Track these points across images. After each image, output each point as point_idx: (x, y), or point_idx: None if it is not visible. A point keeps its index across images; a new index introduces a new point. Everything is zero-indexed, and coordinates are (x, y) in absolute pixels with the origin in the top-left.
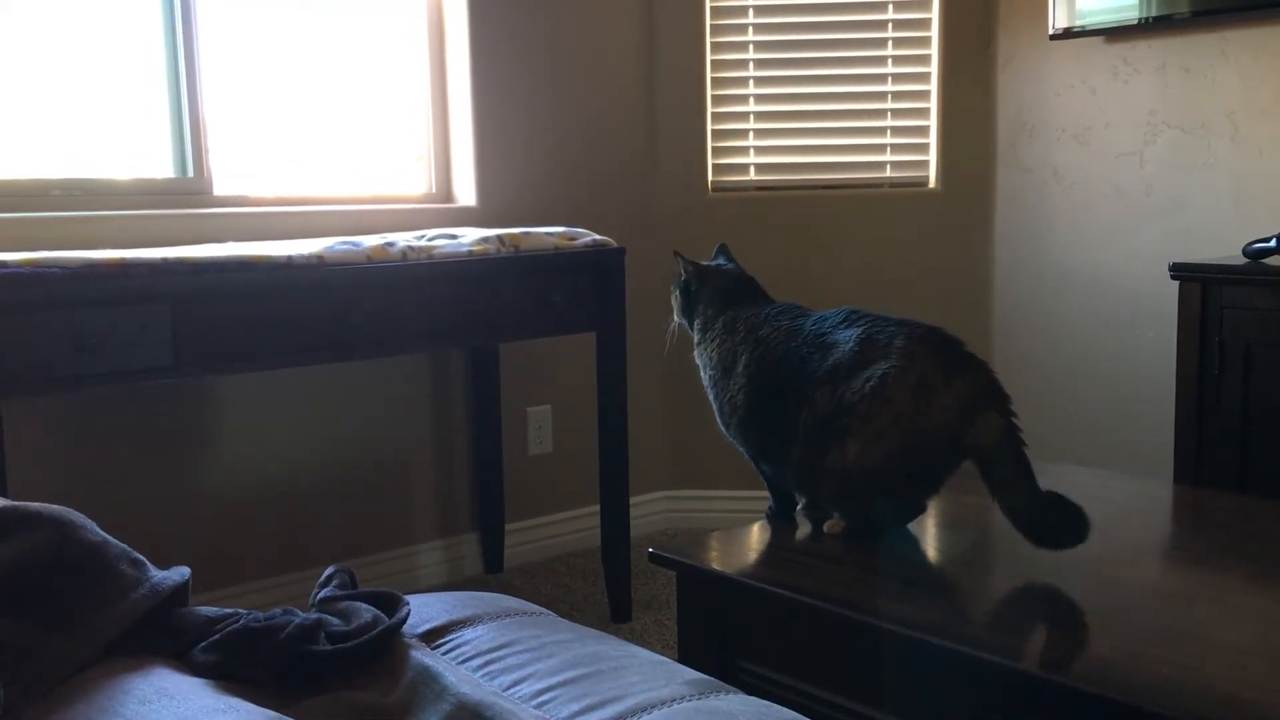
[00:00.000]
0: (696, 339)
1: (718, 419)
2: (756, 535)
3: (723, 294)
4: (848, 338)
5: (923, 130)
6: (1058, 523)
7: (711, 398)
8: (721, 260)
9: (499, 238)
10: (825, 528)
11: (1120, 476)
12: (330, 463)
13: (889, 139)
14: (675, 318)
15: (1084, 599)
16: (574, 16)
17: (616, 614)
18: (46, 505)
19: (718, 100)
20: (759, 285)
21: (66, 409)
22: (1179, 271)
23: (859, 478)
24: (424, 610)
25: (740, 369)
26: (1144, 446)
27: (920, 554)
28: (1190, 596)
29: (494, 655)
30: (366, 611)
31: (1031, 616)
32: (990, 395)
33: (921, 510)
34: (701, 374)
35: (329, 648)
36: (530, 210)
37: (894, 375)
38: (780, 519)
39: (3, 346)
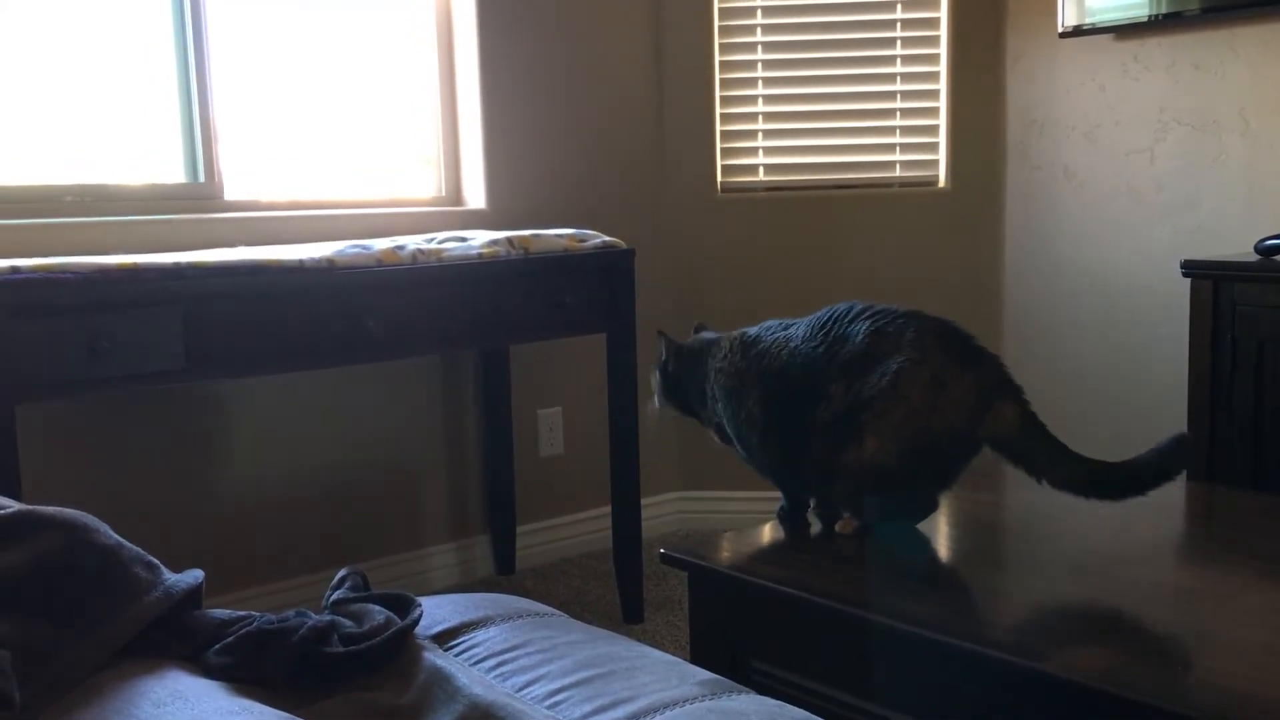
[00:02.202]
0: (697, 413)
1: (739, 448)
2: (768, 536)
3: (700, 354)
4: (857, 331)
5: (932, 129)
6: (1127, 473)
7: (730, 431)
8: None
9: (508, 240)
10: (837, 528)
11: None
12: (342, 465)
13: (898, 138)
14: (656, 401)
15: (1096, 597)
16: (582, 18)
17: (628, 615)
18: (60, 509)
19: (726, 101)
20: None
21: (79, 413)
22: (1190, 269)
23: (874, 474)
24: (436, 612)
25: (752, 383)
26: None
27: (931, 553)
28: (1203, 594)
29: (506, 656)
30: (379, 613)
31: (1044, 615)
32: (1002, 387)
33: (934, 507)
34: (718, 430)
35: (342, 649)
36: (539, 212)
37: (908, 370)
38: (792, 519)
39: (16, 351)
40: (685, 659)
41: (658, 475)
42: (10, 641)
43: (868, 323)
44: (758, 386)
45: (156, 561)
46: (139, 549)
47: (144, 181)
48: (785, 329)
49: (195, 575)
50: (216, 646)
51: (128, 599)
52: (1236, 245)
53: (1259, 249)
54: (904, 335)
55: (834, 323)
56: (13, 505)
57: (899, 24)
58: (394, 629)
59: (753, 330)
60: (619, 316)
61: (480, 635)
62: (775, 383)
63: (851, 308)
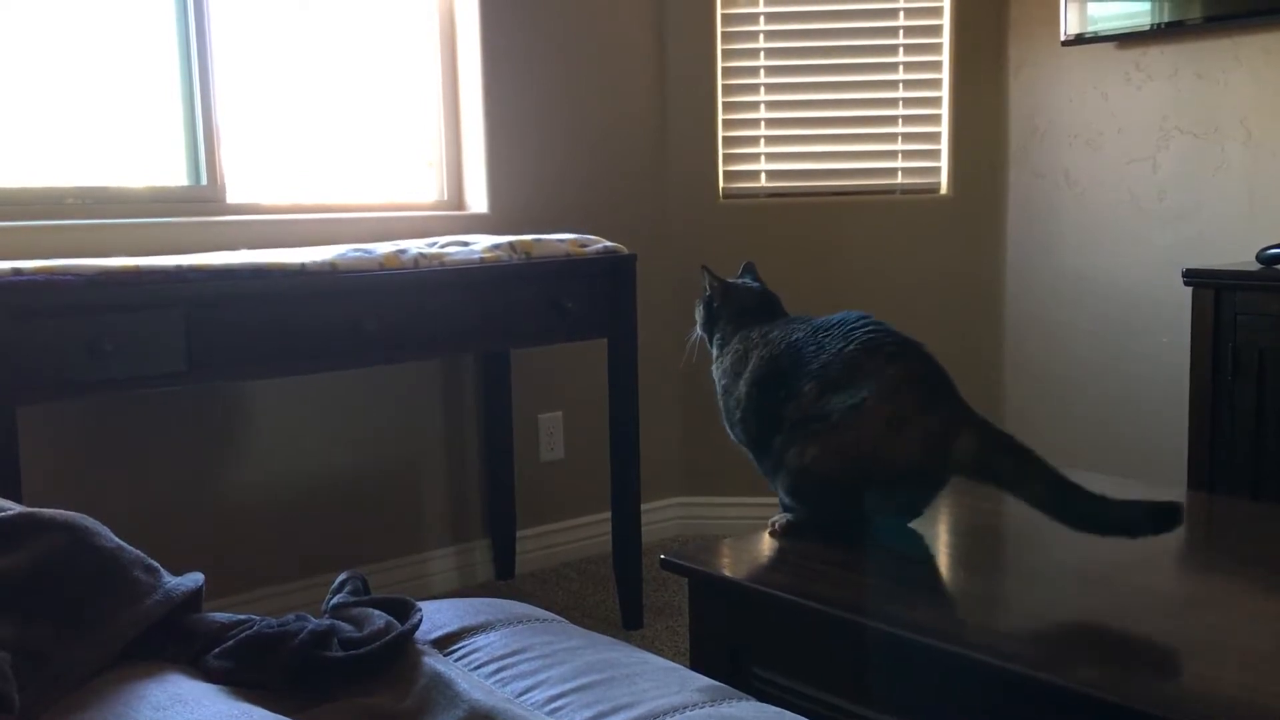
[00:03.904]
0: (715, 354)
1: (725, 423)
2: (768, 542)
3: (742, 312)
4: (850, 341)
5: (934, 136)
6: (1108, 511)
7: (721, 404)
8: (747, 279)
9: (510, 244)
10: (777, 524)
11: (1133, 483)
12: (343, 469)
13: (900, 145)
14: (698, 330)
15: (1098, 605)
16: (585, 23)
17: (628, 620)
18: (61, 511)
19: (729, 107)
20: (780, 304)
21: (81, 414)
22: (1192, 277)
23: (806, 481)
24: (436, 617)
25: (748, 370)
26: (1157, 453)
27: (933, 560)
28: (1203, 603)
29: (506, 662)
30: (379, 618)
31: (1045, 622)
32: (963, 421)
33: (917, 515)
34: (716, 387)
35: (341, 654)
36: (542, 217)
37: (872, 403)
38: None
39: (18, 353)
40: (685, 665)
41: (658, 480)
42: (10, 644)
43: (864, 336)
44: (753, 370)
45: (157, 565)
46: (139, 552)
47: (146, 184)
48: (804, 323)
49: (195, 579)
50: (216, 650)
51: (128, 602)
52: (1238, 254)
53: (1260, 258)
54: (886, 366)
55: (838, 325)
56: (14, 507)
57: (901, 31)
58: (394, 634)
59: (781, 320)
60: (620, 321)
61: (480, 640)
62: (766, 369)
63: (861, 318)
